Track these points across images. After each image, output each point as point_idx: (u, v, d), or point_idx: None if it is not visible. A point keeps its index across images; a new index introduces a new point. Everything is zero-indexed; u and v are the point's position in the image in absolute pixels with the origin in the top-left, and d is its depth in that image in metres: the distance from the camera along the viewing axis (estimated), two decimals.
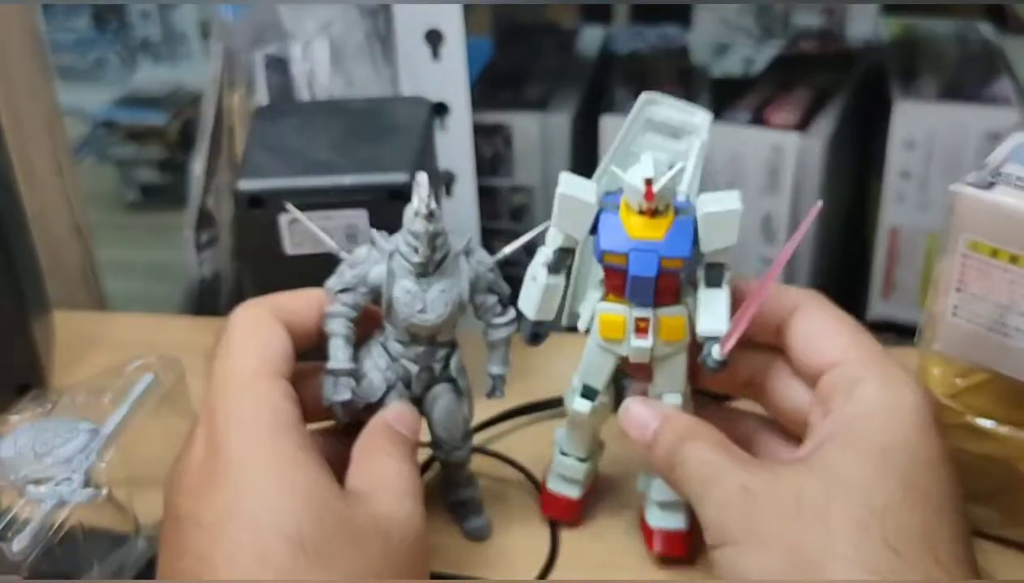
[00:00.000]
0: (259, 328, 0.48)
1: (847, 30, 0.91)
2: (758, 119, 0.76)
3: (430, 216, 0.47)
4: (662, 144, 0.48)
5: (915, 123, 0.73)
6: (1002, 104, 0.74)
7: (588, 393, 0.51)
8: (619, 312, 0.48)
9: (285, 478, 0.42)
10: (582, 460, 0.55)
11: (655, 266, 0.46)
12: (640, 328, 0.48)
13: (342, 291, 0.49)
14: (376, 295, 0.49)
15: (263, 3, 0.72)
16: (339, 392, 0.49)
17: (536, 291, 0.49)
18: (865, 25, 0.90)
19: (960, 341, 0.50)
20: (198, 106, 0.77)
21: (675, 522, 0.53)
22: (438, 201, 0.70)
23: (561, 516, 0.56)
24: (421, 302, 0.48)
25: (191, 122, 0.97)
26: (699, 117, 0.48)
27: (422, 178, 0.47)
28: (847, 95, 0.80)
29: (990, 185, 0.47)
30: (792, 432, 0.50)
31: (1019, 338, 0.48)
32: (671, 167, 0.45)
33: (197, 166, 0.78)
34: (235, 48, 0.72)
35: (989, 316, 0.48)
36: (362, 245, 0.50)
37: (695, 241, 0.46)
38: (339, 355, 0.49)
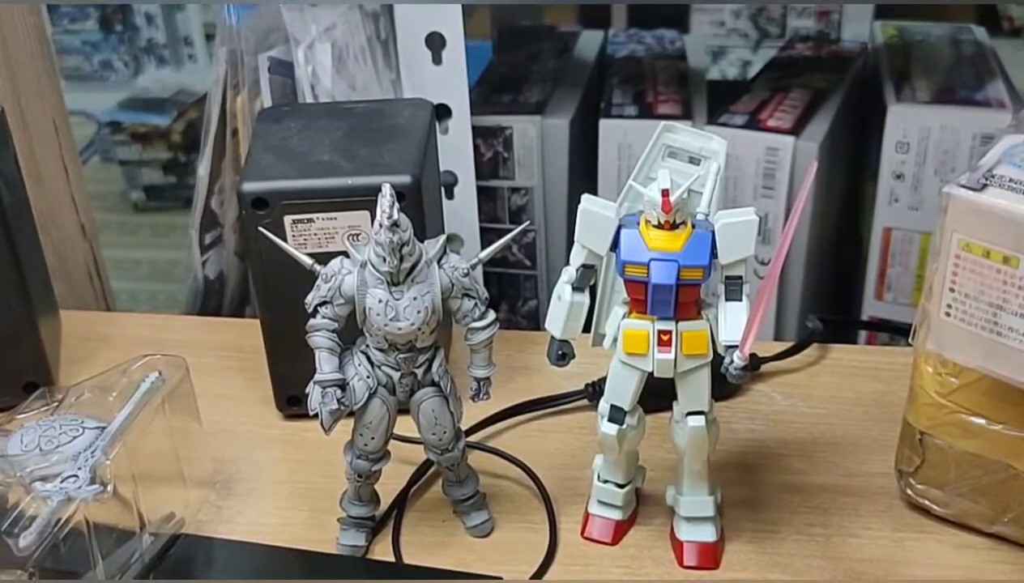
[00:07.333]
0: None
1: (842, 33, 0.92)
2: (754, 122, 0.77)
3: (394, 226, 0.47)
4: (681, 169, 0.50)
5: (909, 125, 0.74)
6: (994, 107, 0.74)
7: (615, 416, 0.52)
8: (642, 327, 0.49)
9: None
10: (620, 485, 0.55)
11: (675, 275, 0.47)
12: (663, 341, 0.49)
13: (321, 304, 0.50)
14: (353, 305, 0.50)
15: (267, 6, 0.72)
16: (327, 402, 0.50)
17: (562, 310, 0.50)
18: (859, 28, 0.91)
19: (953, 341, 0.50)
20: (202, 108, 0.77)
21: (704, 534, 0.54)
22: (439, 203, 0.71)
23: (601, 538, 0.56)
24: (393, 310, 0.49)
25: (195, 124, 0.98)
26: (715, 143, 0.50)
27: (386, 188, 0.47)
28: (842, 98, 0.80)
29: (982, 187, 0.47)
30: None
31: (1012, 338, 0.48)
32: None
33: (201, 167, 0.78)
34: (239, 51, 0.73)
35: (982, 316, 0.49)
36: (335, 257, 0.50)
37: (713, 254, 0.48)
38: (325, 367, 0.50)
